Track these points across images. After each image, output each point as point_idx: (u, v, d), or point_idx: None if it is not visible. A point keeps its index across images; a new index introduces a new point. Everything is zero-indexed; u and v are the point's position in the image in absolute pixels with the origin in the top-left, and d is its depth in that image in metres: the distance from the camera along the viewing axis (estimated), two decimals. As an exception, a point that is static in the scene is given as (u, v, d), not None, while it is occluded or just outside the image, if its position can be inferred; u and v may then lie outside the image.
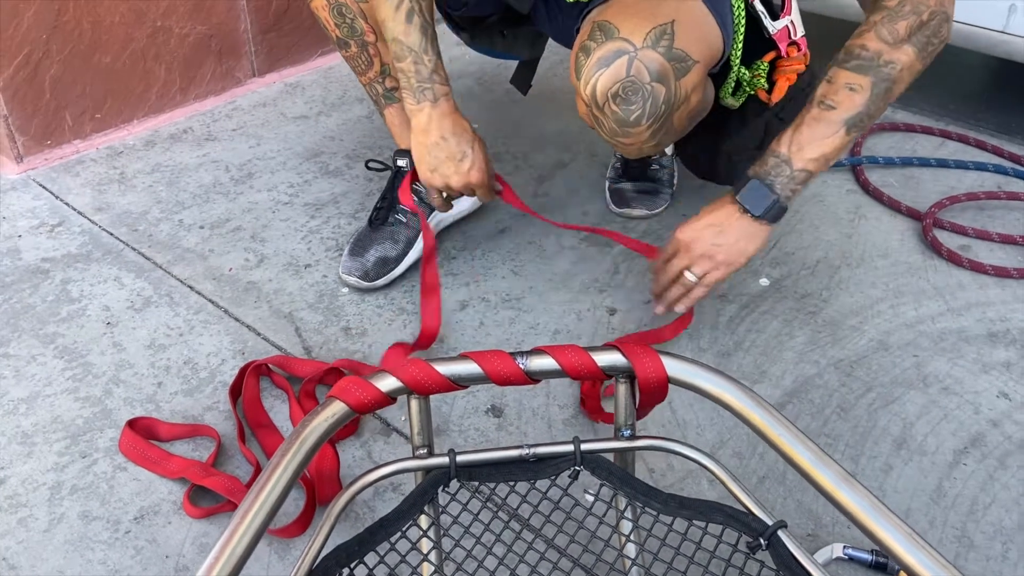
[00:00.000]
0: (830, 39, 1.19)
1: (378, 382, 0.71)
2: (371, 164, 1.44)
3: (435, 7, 1.13)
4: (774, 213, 1.01)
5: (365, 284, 1.23)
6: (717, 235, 1.03)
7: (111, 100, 1.59)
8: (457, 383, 0.73)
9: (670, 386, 0.74)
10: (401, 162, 1.28)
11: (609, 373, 0.75)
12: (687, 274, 1.06)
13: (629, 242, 1.29)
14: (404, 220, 1.27)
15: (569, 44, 1.16)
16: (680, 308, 1.10)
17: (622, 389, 0.77)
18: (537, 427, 1.03)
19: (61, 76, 1.50)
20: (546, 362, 0.74)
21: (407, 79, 1.07)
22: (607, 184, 1.47)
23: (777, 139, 1.00)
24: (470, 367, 0.73)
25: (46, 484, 0.94)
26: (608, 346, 0.75)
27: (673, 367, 0.74)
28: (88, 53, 1.52)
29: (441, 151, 1.10)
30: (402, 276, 1.26)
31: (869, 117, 0.97)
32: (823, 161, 0.98)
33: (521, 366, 0.74)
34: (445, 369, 0.73)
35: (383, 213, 1.27)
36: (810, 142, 0.97)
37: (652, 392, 0.74)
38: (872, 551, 0.86)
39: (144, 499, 0.92)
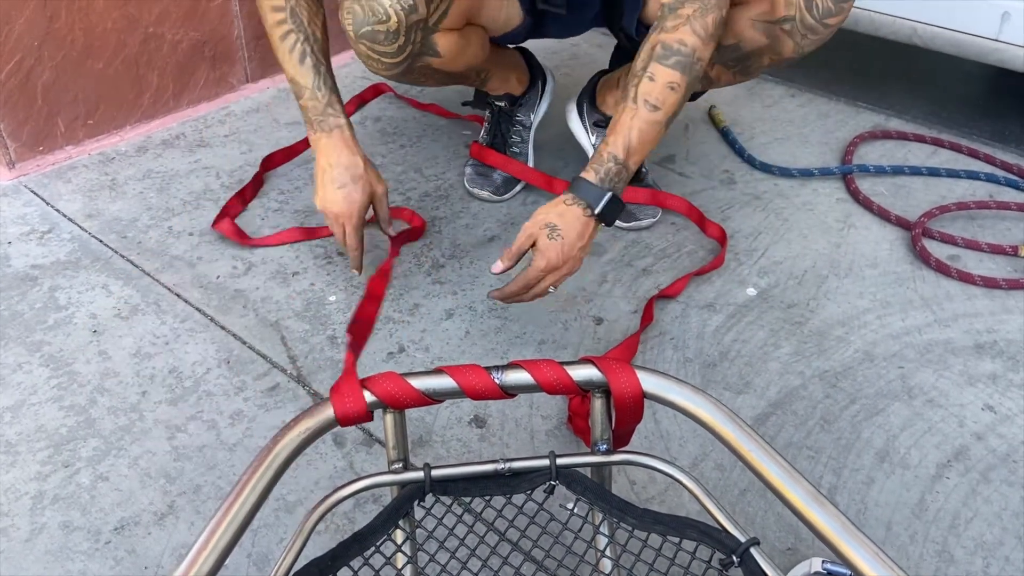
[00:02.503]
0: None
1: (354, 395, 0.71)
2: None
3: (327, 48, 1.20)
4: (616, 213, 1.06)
5: (496, 198, 1.47)
6: (580, 250, 1.05)
7: (103, 106, 1.60)
8: (432, 397, 0.74)
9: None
10: (499, 103, 1.47)
11: (585, 388, 0.75)
12: (548, 287, 1.07)
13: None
14: (516, 151, 1.50)
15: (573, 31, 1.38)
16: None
17: (598, 404, 0.77)
18: (520, 438, 1.03)
19: (53, 82, 1.51)
20: (522, 377, 0.74)
21: (307, 114, 1.18)
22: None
23: (611, 141, 1.03)
24: (445, 381, 0.73)
25: (28, 493, 0.94)
26: (584, 360, 0.75)
27: (648, 382, 0.74)
28: (80, 59, 1.53)
29: (327, 177, 1.17)
30: (389, 287, 1.27)
31: (678, 112, 1.06)
32: (647, 154, 1.07)
33: (496, 381, 0.74)
34: (420, 383, 0.73)
35: (498, 147, 1.51)
36: (641, 145, 1.04)
37: (627, 408, 0.74)
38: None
39: (125, 510, 0.92)
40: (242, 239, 1.35)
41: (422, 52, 1.19)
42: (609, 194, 1.03)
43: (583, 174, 1.04)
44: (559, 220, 1.03)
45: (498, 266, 1.07)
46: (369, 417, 0.72)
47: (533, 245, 1.04)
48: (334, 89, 1.18)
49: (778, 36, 1.17)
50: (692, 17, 1.01)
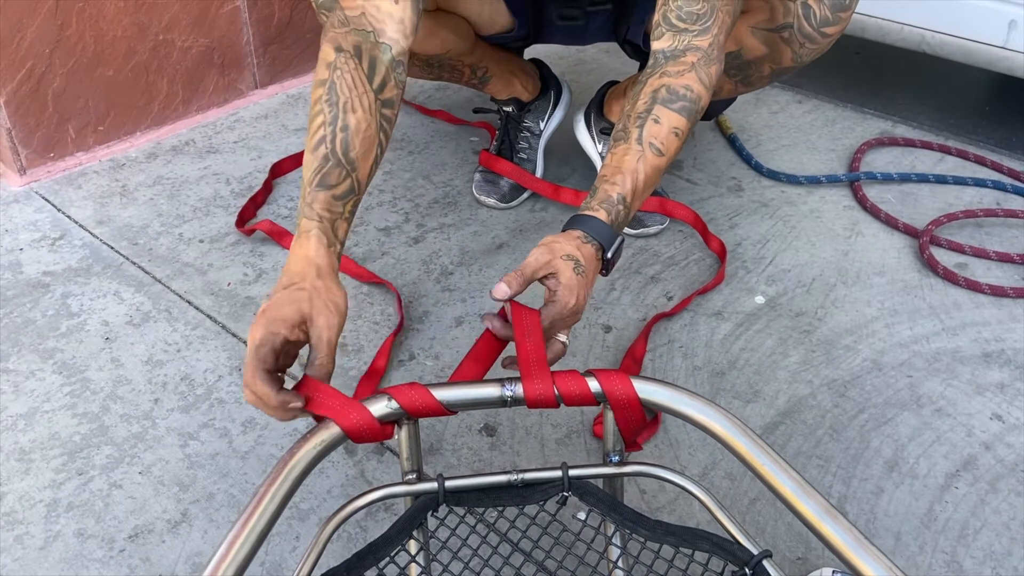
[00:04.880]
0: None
1: (372, 405, 0.72)
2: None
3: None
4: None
5: (503, 205, 1.48)
6: (588, 296, 0.88)
7: (114, 113, 1.61)
8: (449, 408, 0.74)
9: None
10: (507, 108, 1.51)
11: (598, 400, 0.75)
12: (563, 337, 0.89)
13: None
14: (524, 157, 1.51)
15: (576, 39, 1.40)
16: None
17: (610, 415, 0.77)
18: (530, 447, 1.03)
19: (64, 89, 1.52)
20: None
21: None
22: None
23: (619, 182, 0.92)
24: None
25: (43, 501, 0.95)
26: (588, 373, 0.76)
27: (661, 394, 0.74)
28: (91, 66, 1.54)
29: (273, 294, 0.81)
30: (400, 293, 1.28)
31: (673, 160, 0.98)
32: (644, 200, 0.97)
33: (510, 393, 0.75)
34: (441, 395, 0.74)
35: (506, 154, 1.52)
36: (645, 190, 0.94)
37: (628, 417, 0.75)
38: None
39: (139, 517, 0.93)
40: (282, 239, 1.37)
41: None
42: (620, 238, 0.92)
43: (591, 212, 0.90)
44: (579, 255, 0.86)
45: (502, 289, 0.82)
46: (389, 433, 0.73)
47: (546, 276, 0.85)
48: (328, 185, 0.86)
49: (777, 44, 1.18)
50: (697, 65, 0.97)
